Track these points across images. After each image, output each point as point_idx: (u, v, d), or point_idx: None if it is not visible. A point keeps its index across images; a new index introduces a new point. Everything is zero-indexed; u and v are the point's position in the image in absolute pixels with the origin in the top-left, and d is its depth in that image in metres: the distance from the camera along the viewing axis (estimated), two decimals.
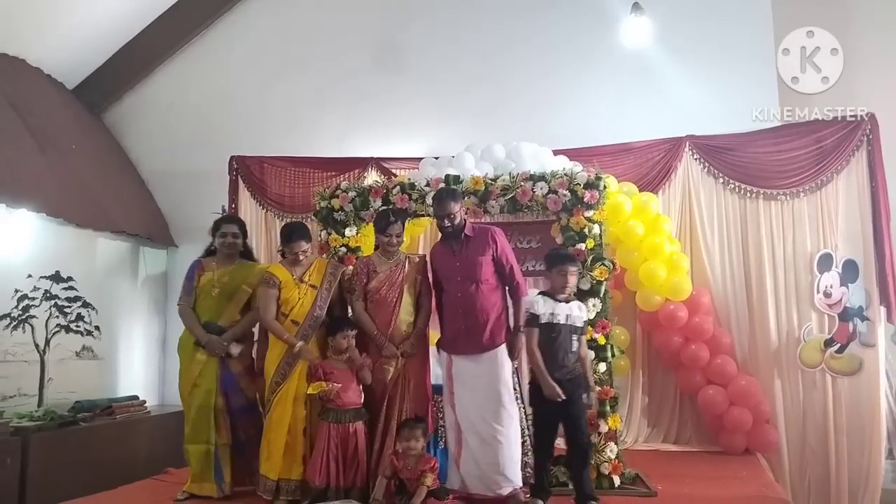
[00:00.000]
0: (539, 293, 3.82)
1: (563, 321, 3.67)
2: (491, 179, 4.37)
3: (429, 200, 4.37)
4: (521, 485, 3.73)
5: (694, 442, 5.51)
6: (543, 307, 3.68)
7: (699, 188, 5.76)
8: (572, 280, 3.79)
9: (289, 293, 3.88)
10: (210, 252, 4.19)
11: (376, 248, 4.19)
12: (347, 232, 4.58)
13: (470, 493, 3.72)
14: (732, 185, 5.69)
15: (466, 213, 4.06)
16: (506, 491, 3.67)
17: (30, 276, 5.51)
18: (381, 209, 4.37)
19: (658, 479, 4.16)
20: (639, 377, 5.72)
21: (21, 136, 5.83)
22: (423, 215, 4.57)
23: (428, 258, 4.11)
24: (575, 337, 3.70)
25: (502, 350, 3.77)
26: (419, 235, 6.16)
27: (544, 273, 4.07)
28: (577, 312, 3.75)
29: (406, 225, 5.10)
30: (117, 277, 6.56)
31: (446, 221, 3.85)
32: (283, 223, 6.37)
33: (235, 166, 6.57)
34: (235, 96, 7.11)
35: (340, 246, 4.56)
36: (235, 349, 3.95)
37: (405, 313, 3.93)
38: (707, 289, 5.57)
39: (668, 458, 5.11)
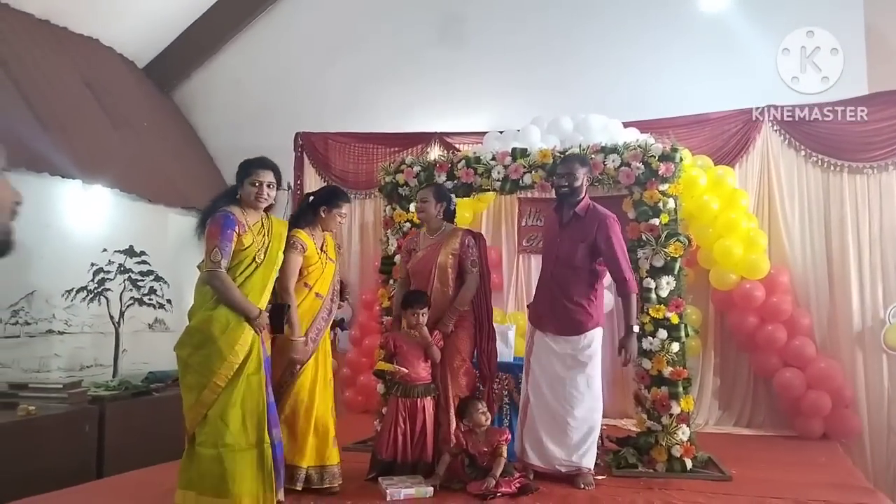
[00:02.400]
0: None
1: None
2: (560, 152, 4.20)
3: (495, 175, 4.27)
4: (589, 467, 3.66)
5: (767, 426, 5.31)
6: None
7: (779, 161, 5.48)
8: None
9: (313, 262, 3.42)
10: (230, 200, 3.22)
11: None
12: (412, 207, 4.52)
13: (530, 464, 3.70)
14: (815, 158, 5.39)
15: (586, 190, 3.78)
16: (565, 469, 3.63)
17: (105, 250, 5.67)
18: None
19: (731, 462, 4.01)
20: (710, 358, 5.53)
21: (96, 114, 6.00)
22: (488, 190, 4.46)
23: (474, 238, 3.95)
24: None
25: (586, 337, 3.66)
26: (482, 212, 6.07)
27: None
28: None
29: (470, 200, 5.08)
30: (188, 252, 6.67)
31: (564, 181, 3.71)
32: None
33: (301, 142, 6.63)
34: (300, 72, 7.15)
35: (405, 221, 4.52)
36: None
37: (437, 291, 3.79)
38: (786, 267, 5.32)
39: (741, 442, 4.94)
